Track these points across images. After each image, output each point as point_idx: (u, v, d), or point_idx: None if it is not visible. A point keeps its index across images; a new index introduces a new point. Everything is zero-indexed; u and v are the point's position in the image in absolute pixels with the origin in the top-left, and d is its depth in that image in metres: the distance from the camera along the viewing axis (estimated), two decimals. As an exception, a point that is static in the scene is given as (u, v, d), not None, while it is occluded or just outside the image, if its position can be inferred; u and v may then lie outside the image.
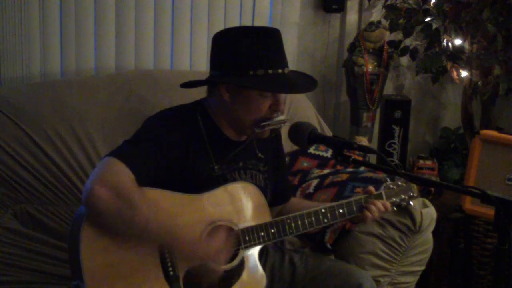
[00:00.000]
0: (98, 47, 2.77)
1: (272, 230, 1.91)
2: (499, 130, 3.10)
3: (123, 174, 1.72)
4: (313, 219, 1.96)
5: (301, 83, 1.96)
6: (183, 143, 1.86)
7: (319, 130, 2.48)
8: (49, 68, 2.65)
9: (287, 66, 1.90)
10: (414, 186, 2.12)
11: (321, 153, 2.72)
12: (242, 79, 1.84)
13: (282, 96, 1.90)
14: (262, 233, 1.89)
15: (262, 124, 1.88)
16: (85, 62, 2.73)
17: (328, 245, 2.40)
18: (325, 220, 1.97)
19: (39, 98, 2.39)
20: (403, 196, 2.10)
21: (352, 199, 2.02)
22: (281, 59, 1.88)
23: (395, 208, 2.09)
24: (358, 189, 2.38)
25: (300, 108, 2.89)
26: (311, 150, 2.73)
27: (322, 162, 2.69)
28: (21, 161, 2.25)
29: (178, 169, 1.85)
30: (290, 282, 2.08)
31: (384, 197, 2.06)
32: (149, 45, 2.89)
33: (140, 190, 1.74)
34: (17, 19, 2.52)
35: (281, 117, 1.91)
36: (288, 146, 2.73)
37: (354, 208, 2.01)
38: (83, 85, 2.51)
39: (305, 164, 2.70)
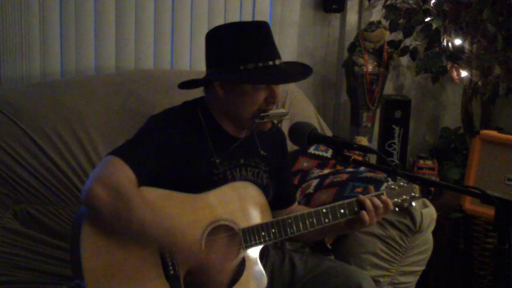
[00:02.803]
0: (98, 47, 2.77)
1: (273, 230, 1.90)
2: (499, 130, 3.10)
3: (123, 173, 1.73)
4: (314, 219, 1.94)
5: (293, 72, 1.97)
6: (185, 141, 1.87)
7: (319, 130, 2.48)
8: (49, 68, 2.65)
9: (278, 57, 1.91)
10: (416, 187, 2.09)
11: (321, 153, 2.72)
12: (233, 75, 1.86)
13: (278, 88, 1.91)
14: (263, 233, 1.89)
15: (262, 115, 1.89)
16: (85, 62, 2.73)
17: (328, 245, 2.40)
18: (326, 220, 1.96)
19: (39, 98, 2.39)
20: (404, 197, 2.06)
21: (354, 199, 2.00)
22: (271, 51, 1.90)
23: (396, 209, 2.06)
24: (358, 189, 2.38)
25: (300, 108, 2.89)
26: (311, 150, 2.73)
27: (322, 162, 2.69)
28: (21, 161, 2.25)
29: (180, 167, 1.85)
30: (290, 282, 2.08)
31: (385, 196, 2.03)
32: (149, 45, 2.89)
33: (139, 190, 1.74)
34: (17, 19, 2.52)
35: (282, 110, 1.93)
36: (288, 146, 2.74)
37: (356, 208, 1.98)
38: (83, 85, 2.52)
39: (305, 164, 2.70)
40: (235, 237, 1.87)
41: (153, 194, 1.78)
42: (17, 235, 2.17)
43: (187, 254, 1.77)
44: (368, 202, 1.97)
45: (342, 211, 1.98)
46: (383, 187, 2.43)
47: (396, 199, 2.05)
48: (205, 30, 2.98)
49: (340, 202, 1.99)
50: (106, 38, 2.77)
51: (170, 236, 1.75)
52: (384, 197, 2.00)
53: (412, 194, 2.09)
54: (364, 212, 1.96)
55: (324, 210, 1.96)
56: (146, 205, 1.73)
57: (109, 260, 1.72)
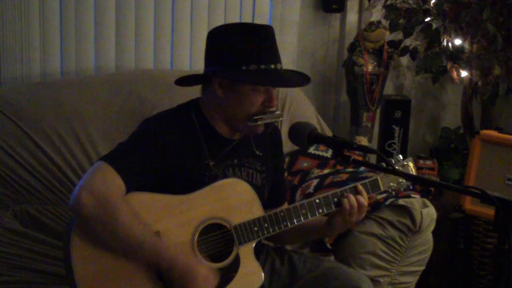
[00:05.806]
0: (98, 47, 2.77)
1: (266, 225, 1.90)
2: (499, 130, 3.10)
3: (112, 182, 1.73)
4: (308, 210, 1.94)
5: (293, 78, 1.98)
6: (179, 145, 1.87)
7: (319, 130, 2.48)
8: (49, 68, 2.65)
9: (280, 62, 1.90)
10: (412, 169, 2.06)
11: (321, 153, 2.72)
12: (234, 74, 1.85)
13: (275, 92, 1.92)
14: (256, 228, 1.89)
15: (255, 117, 1.88)
16: (85, 62, 2.73)
17: (328, 245, 2.40)
18: (320, 211, 1.95)
19: (39, 98, 2.39)
20: (401, 180, 2.03)
21: (346, 187, 1.98)
22: (274, 55, 1.90)
23: (393, 193, 2.05)
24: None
25: (300, 108, 2.89)
26: (311, 150, 2.73)
27: (322, 162, 2.69)
28: (21, 161, 2.25)
29: (173, 171, 1.85)
30: (288, 282, 2.07)
31: (380, 183, 2.01)
32: (149, 45, 2.89)
33: (127, 201, 1.74)
34: (17, 19, 2.52)
35: (276, 112, 1.92)
36: (288, 146, 2.74)
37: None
38: (83, 85, 2.52)
39: (305, 164, 2.70)
40: (227, 235, 1.87)
41: (140, 198, 1.78)
42: (17, 235, 2.17)
43: (170, 272, 1.75)
44: (360, 187, 1.96)
45: (335, 200, 1.96)
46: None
47: (392, 184, 2.03)
48: (205, 30, 3.00)
49: (333, 191, 1.97)
50: (106, 38, 2.77)
51: (155, 254, 1.74)
52: (359, 196, 1.96)
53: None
54: (346, 200, 1.92)
55: (317, 201, 1.95)
56: (133, 216, 1.73)
57: (100, 266, 1.72)
